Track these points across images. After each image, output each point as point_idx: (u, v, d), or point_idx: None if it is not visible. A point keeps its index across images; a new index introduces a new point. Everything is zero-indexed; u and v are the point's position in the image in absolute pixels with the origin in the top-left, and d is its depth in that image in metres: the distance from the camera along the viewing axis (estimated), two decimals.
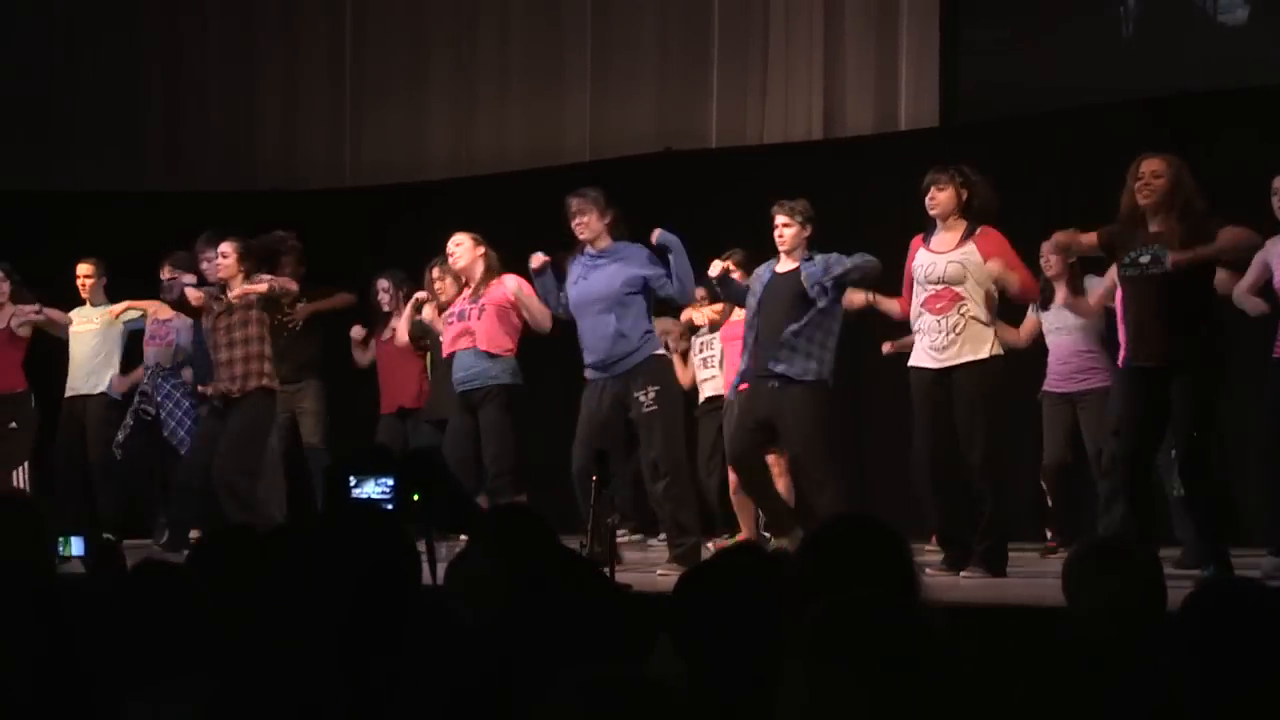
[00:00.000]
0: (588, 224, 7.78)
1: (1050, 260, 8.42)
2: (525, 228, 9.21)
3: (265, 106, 12.99)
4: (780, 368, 7.47)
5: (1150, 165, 6.41)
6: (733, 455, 7.89)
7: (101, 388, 9.88)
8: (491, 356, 8.38)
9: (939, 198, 7.18)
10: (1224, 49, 9.52)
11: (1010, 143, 9.70)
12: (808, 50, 11.00)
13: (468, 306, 8.48)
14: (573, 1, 12.02)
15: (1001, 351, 7.24)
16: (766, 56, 11.20)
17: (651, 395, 7.60)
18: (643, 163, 10.83)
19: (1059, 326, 8.46)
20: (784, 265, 7.70)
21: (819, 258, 7.57)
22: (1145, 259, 6.42)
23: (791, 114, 11.09)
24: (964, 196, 7.17)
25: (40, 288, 9.89)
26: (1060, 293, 8.35)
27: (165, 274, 9.71)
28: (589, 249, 7.81)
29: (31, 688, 3.32)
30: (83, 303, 10.02)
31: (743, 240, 9.06)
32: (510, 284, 8.47)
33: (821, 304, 7.47)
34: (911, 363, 7.32)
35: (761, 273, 7.78)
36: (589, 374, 7.80)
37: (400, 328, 9.42)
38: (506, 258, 8.60)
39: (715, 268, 7.92)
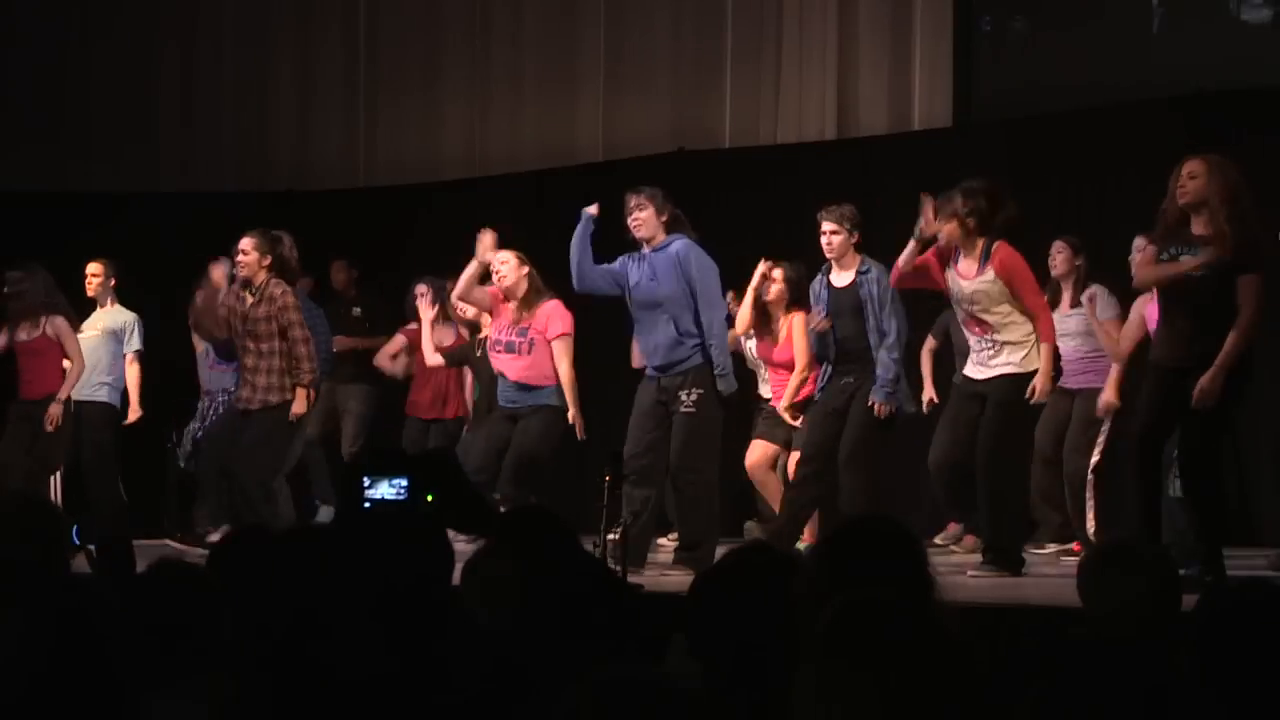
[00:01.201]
0: (644, 221, 7.73)
1: (1056, 260, 8.41)
2: (538, 228, 9.21)
3: (279, 107, 13.01)
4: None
5: (1189, 166, 6.30)
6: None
7: (101, 395, 9.79)
8: (540, 388, 8.38)
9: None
10: (1247, 48, 9.47)
11: (1024, 143, 9.66)
12: (821, 50, 10.99)
13: (516, 338, 8.43)
14: (586, 2, 12.03)
15: (1039, 367, 7.20)
16: (780, 56, 11.19)
17: (693, 398, 7.62)
18: (656, 163, 10.81)
19: (1064, 332, 8.36)
20: (838, 277, 7.89)
21: (874, 272, 7.73)
22: (1187, 257, 6.31)
23: (805, 114, 11.08)
24: (971, 225, 7.17)
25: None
26: (1066, 296, 8.36)
27: (214, 273, 9.66)
28: (644, 247, 7.80)
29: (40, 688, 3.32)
30: (93, 303, 9.99)
31: (753, 240, 9.07)
32: (552, 321, 8.39)
33: None
34: (963, 372, 7.45)
35: (819, 291, 7.94)
36: (649, 373, 7.81)
37: (432, 338, 9.35)
38: None
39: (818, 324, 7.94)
